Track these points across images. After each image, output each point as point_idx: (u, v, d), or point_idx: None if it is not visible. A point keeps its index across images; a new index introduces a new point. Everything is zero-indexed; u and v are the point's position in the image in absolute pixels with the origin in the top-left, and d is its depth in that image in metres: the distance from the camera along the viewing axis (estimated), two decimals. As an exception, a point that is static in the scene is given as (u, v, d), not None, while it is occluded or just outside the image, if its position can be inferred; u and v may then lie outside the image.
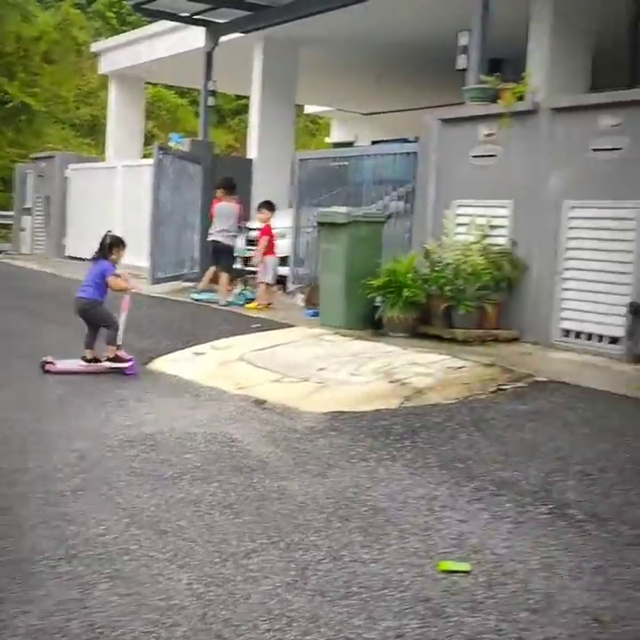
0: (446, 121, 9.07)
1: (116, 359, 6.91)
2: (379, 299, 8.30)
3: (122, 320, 7.00)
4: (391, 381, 6.45)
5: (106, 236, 7.13)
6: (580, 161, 7.63)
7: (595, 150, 7.48)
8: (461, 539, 3.63)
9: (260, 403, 6.01)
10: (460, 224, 8.67)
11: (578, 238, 7.70)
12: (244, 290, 11.22)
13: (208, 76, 14.33)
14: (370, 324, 8.41)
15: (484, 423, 5.29)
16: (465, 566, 3.32)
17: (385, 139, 15.10)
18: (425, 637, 2.78)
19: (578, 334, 7.69)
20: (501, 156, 8.39)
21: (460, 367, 6.69)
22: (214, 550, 3.42)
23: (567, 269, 7.79)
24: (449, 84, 10.96)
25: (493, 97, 8.55)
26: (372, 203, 10.37)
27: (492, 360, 6.90)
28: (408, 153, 9.91)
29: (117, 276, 7.08)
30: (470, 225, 8.41)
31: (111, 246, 7.05)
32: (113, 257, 7.06)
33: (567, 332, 7.78)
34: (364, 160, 10.69)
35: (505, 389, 6.03)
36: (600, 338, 7.48)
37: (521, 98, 8.29)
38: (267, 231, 10.73)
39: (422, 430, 5.22)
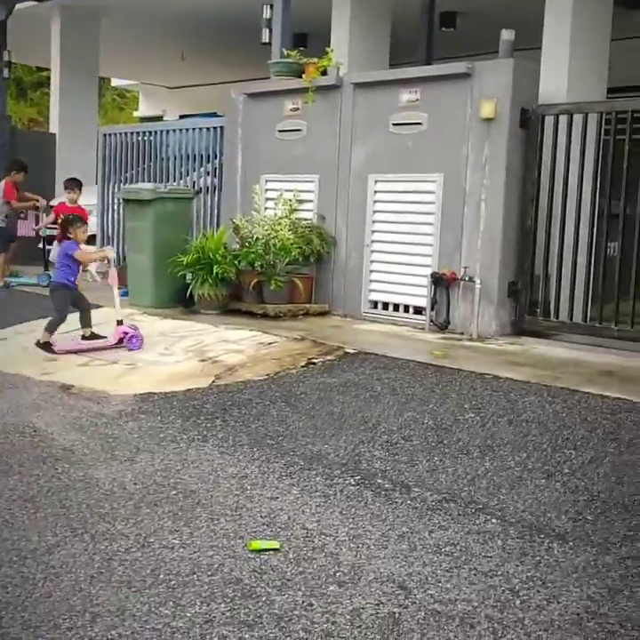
0: (252, 95, 9.02)
1: (46, 346, 6.75)
2: (189, 276, 8.17)
3: (115, 294, 7.00)
4: (202, 360, 6.38)
5: (64, 217, 7.35)
6: (382, 135, 7.77)
7: (395, 125, 7.65)
8: (272, 516, 3.63)
9: (66, 388, 5.80)
10: (269, 199, 8.66)
11: (383, 211, 7.86)
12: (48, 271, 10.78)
13: (2, 47, 13.63)
14: (181, 302, 8.28)
15: (295, 398, 5.32)
16: (274, 544, 3.32)
17: (193, 113, 14.90)
18: (234, 620, 2.75)
19: (385, 306, 7.88)
20: (307, 131, 8.43)
21: (272, 343, 6.70)
22: (12, 548, 3.26)
23: (374, 242, 7.94)
24: (256, 58, 10.89)
25: (298, 71, 8.55)
26: (181, 178, 10.21)
27: (303, 334, 6.95)
28: (215, 127, 9.79)
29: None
30: (279, 200, 8.42)
31: (66, 225, 7.06)
32: (71, 235, 7.00)
33: (375, 304, 7.96)
34: (170, 135, 10.48)
35: (315, 363, 6.08)
36: (406, 308, 7.69)
37: (325, 73, 8.34)
38: (73, 210, 10.32)
39: (233, 408, 5.19)
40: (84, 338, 6.96)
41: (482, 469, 4.11)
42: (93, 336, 6.95)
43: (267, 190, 8.73)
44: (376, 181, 7.86)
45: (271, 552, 3.26)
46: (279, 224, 8.11)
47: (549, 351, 6.53)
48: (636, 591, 2.95)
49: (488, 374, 5.59)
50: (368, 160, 7.93)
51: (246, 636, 2.65)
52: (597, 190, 6.86)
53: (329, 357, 6.22)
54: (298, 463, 4.27)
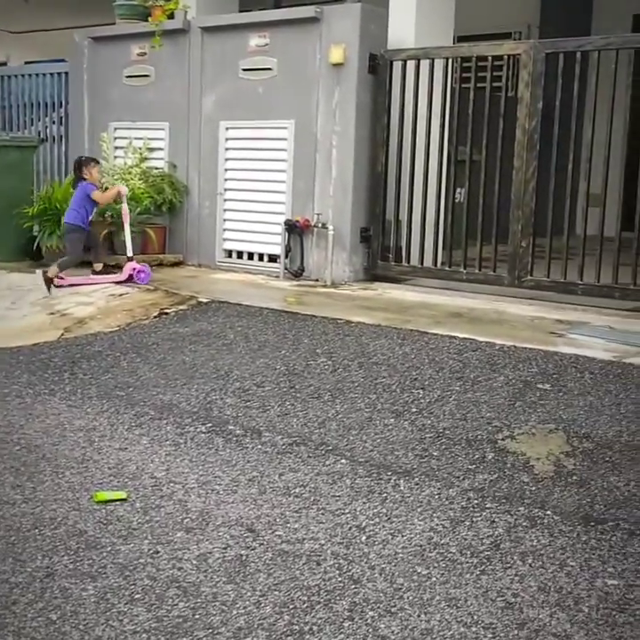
0: (97, 39, 8.69)
1: (49, 280, 6.72)
2: (36, 228, 7.87)
3: (126, 230, 7.03)
4: (51, 313, 6.18)
5: (76, 159, 7.25)
6: (232, 81, 7.64)
7: (245, 70, 7.53)
8: (120, 467, 3.56)
9: None
10: (118, 147, 8.41)
11: (235, 159, 7.76)
12: None
13: None
14: (28, 255, 7.97)
15: (146, 349, 5.22)
16: (121, 494, 3.26)
17: (40, 59, 14.25)
18: (77, 572, 2.69)
19: (240, 254, 7.82)
20: (155, 77, 8.20)
21: (123, 294, 6.55)
22: None
23: (227, 190, 7.84)
24: (106, 2, 10.48)
25: (145, 15, 8.29)
26: (26, 128, 9.78)
27: (155, 285, 6.82)
28: (59, 73, 9.40)
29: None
30: (128, 148, 8.18)
31: (80, 166, 7.06)
32: (86, 177, 7.02)
33: (230, 253, 7.88)
34: (13, 81, 10.00)
35: (168, 313, 5.99)
36: (261, 257, 7.65)
37: (172, 16, 8.12)
38: None
39: (82, 361, 5.05)
40: (94, 273, 7.09)
41: (332, 412, 4.15)
42: (104, 270, 7.13)
43: (116, 138, 8.47)
44: (227, 128, 7.74)
45: (118, 502, 3.20)
46: (129, 173, 7.90)
47: (401, 295, 6.64)
48: (476, 521, 3.04)
49: (340, 319, 5.64)
50: (219, 106, 7.79)
51: (89, 587, 2.60)
52: (446, 136, 6.96)
53: (182, 307, 6.13)
54: (148, 413, 4.20)
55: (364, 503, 3.22)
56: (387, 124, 7.05)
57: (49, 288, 6.70)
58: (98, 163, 7.27)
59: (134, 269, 6.93)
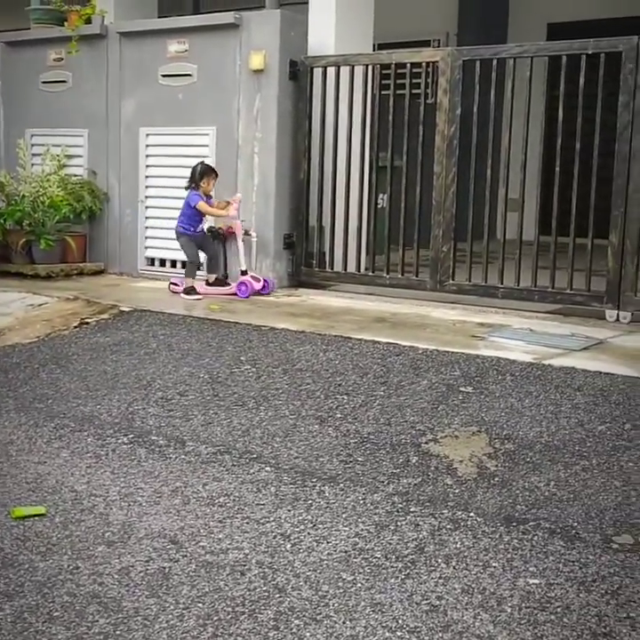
0: (11, 44, 8.52)
1: (190, 290, 6.81)
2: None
3: (239, 246, 6.93)
4: (-33, 325, 6.02)
5: (196, 165, 6.95)
6: (151, 87, 7.57)
7: (165, 76, 7.46)
8: (39, 481, 3.47)
9: None
10: (35, 154, 8.25)
11: (156, 166, 7.68)
12: None
13: None
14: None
15: (66, 359, 5.12)
16: (40, 509, 3.18)
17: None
18: (-6, 591, 2.61)
19: (163, 262, 7.74)
20: (73, 82, 8.07)
21: (42, 304, 6.42)
22: None
23: (148, 197, 7.76)
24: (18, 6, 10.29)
25: (61, 19, 8.16)
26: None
27: (76, 294, 6.70)
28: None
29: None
30: (45, 155, 8.03)
31: (202, 175, 6.89)
32: (203, 185, 6.89)
33: (152, 261, 7.80)
34: None
35: (89, 323, 5.88)
36: (184, 264, 7.56)
37: (89, 21, 8.00)
38: None
39: (-1, 373, 4.93)
40: (207, 283, 7.03)
41: (256, 420, 4.12)
42: (217, 282, 7.04)
43: (33, 145, 8.31)
44: (148, 135, 7.66)
45: (36, 518, 3.13)
46: (47, 181, 7.75)
47: (325, 301, 6.65)
48: (401, 525, 3.05)
49: (265, 326, 5.62)
50: (138, 113, 7.70)
51: (5, 606, 2.52)
52: (367, 142, 7.00)
53: (103, 316, 6.03)
54: (68, 425, 4.12)
55: (288, 511, 3.20)
56: (308, 131, 7.05)
57: (192, 294, 6.79)
58: (217, 175, 6.98)
59: (242, 283, 6.83)
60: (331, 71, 6.93)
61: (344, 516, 3.15)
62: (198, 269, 7.05)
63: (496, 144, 6.38)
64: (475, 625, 2.41)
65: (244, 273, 6.90)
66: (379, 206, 7.28)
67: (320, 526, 3.06)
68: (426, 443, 3.79)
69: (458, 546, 2.89)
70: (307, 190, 7.12)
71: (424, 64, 6.77)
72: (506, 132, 6.30)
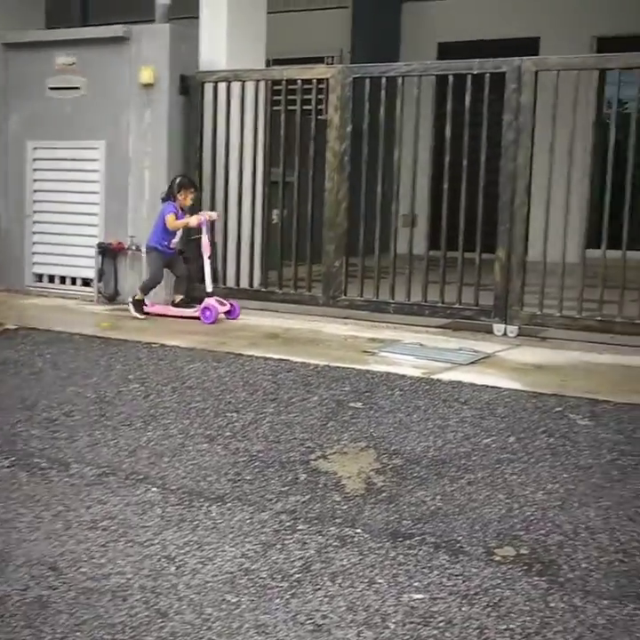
0: None
1: (137, 303, 6.60)
2: None
3: (205, 264, 6.58)
4: None
5: (175, 177, 6.78)
6: (39, 100, 7.41)
7: (52, 89, 7.31)
8: None
9: None
10: None
11: (44, 180, 7.53)
12: None
13: None
14: None
15: (-54, 380, 4.93)
16: None
17: None
18: None
19: (52, 278, 7.57)
20: (-44, 94, 7.83)
21: None
22: None
23: (36, 212, 7.58)
24: None
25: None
26: None
27: (-41, 312, 6.49)
28: None
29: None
30: None
31: (180, 187, 6.69)
32: (180, 199, 6.68)
33: (41, 277, 7.61)
34: None
35: (-28, 342, 5.70)
36: (74, 281, 7.42)
37: (-27, 31, 7.78)
38: None
39: None
40: (173, 304, 6.80)
41: (144, 439, 4.04)
42: (182, 304, 6.77)
43: None
44: (35, 148, 7.48)
45: None
46: None
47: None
48: (288, 544, 3.03)
49: (155, 343, 5.54)
50: (25, 126, 7.53)
51: None
52: (260, 158, 6.99)
53: (-13, 335, 5.85)
54: (-55, 449, 3.96)
55: (174, 532, 3.14)
56: (200, 146, 7.01)
57: (139, 311, 6.59)
58: (195, 191, 6.79)
59: (206, 307, 6.47)
60: (222, 86, 6.92)
61: (231, 536, 3.11)
62: (152, 288, 6.78)
63: (386, 160, 6.46)
64: (358, 643, 2.40)
65: (209, 295, 6.57)
66: (272, 222, 7.28)
67: (206, 547, 3.01)
68: (315, 460, 3.79)
69: (344, 563, 2.88)
70: (199, 206, 7.06)
71: (315, 81, 6.79)
72: (396, 149, 6.38)
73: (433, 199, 6.42)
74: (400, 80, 6.38)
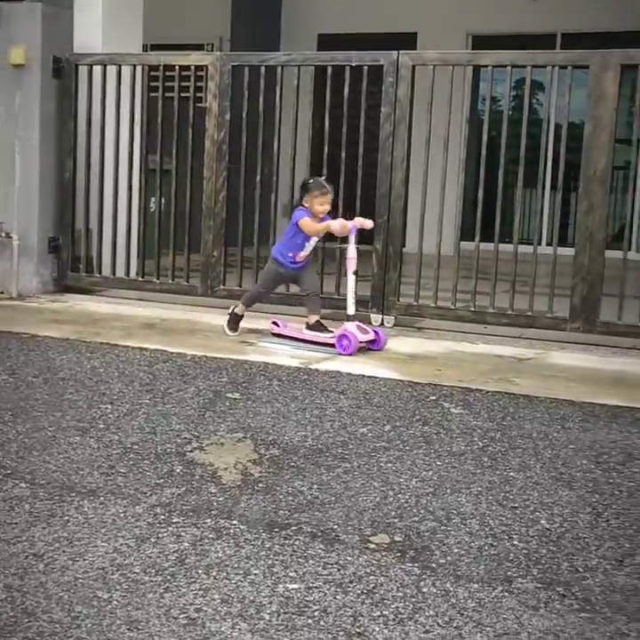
0: None
1: (232, 320, 5.73)
2: None
3: (349, 280, 5.45)
4: None
5: (305, 180, 5.66)
6: None
7: None
8: None
9: None
10: None
11: None
12: None
13: None
14: None
15: None
16: None
17: None
18: None
19: None
20: None
21: None
22: None
23: None
24: None
25: None
26: None
27: None
28: None
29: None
30: None
31: (304, 192, 5.55)
32: (306, 204, 5.53)
33: None
34: None
35: None
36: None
37: None
38: None
39: None
40: (308, 326, 5.64)
41: (13, 433, 3.90)
42: (318, 327, 5.62)
43: None
44: None
45: None
46: None
47: (93, 307, 6.46)
48: (162, 537, 2.98)
49: (25, 334, 5.37)
50: None
51: None
52: (137, 144, 6.86)
53: None
54: None
55: (43, 528, 3.04)
56: (74, 131, 6.83)
57: (230, 326, 5.73)
58: (328, 194, 5.56)
59: (343, 334, 5.38)
60: (97, 70, 6.74)
61: (103, 530, 3.03)
62: (253, 302, 5.93)
63: (266, 150, 6.44)
64: (232, 635, 2.38)
65: (349, 319, 5.45)
66: (149, 210, 7.16)
67: (77, 543, 2.93)
68: (191, 451, 3.74)
69: (219, 555, 2.85)
70: (73, 192, 6.89)
71: (193, 67, 6.69)
72: (275, 139, 6.36)
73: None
74: (279, 69, 6.36)
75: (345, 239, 5.56)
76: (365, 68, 6.11)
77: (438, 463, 3.61)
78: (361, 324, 5.43)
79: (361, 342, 5.34)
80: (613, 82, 5.62)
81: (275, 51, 8.49)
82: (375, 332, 5.48)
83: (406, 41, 9.96)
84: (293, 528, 3.04)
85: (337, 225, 5.44)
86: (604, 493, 3.33)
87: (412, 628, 2.38)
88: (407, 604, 2.51)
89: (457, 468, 3.56)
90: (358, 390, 4.50)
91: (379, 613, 2.47)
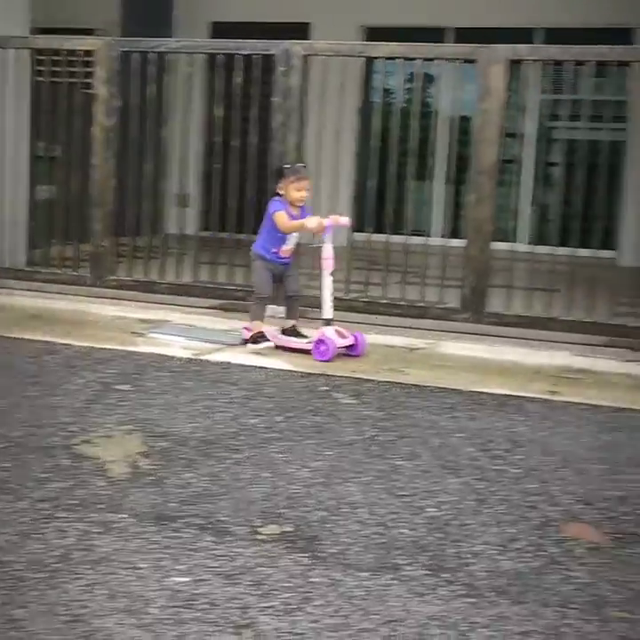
0: None
1: (256, 337, 5.21)
2: None
3: (324, 283, 5.11)
4: None
5: (278, 166, 5.46)
6: None
7: None
8: None
9: None
10: None
11: None
12: None
13: None
14: None
15: None
16: None
17: None
18: None
19: None
20: None
21: None
22: None
23: None
24: None
25: None
26: None
27: None
28: None
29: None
30: None
31: (278, 176, 5.29)
32: (280, 191, 5.22)
33: None
34: None
35: None
36: None
37: None
38: None
39: None
40: (284, 331, 5.37)
41: None
42: (294, 332, 5.36)
43: None
44: None
45: None
46: None
47: (-23, 298, 6.25)
48: (46, 533, 2.90)
49: None
50: None
51: None
52: (24, 130, 6.66)
53: None
54: None
55: None
56: (-44, 115, 6.58)
57: (260, 343, 5.27)
58: (303, 179, 5.26)
59: (320, 339, 5.09)
60: (-20, 52, 6.51)
61: (-15, 528, 2.94)
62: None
63: (157, 138, 6.34)
64: (118, 631, 2.34)
65: (326, 323, 5.19)
66: (37, 198, 6.97)
67: (-44, 541, 2.83)
68: (78, 444, 3.66)
69: (106, 550, 2.79)
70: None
71: (82, 52, 6.53)
72: (166, 127, 6.27)
73: (205, 179, 6.38)
74: (170, 57, 6.27)
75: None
76: (257, 57, 6.07)
77: (329, 453, 3.63)
78: (340, 329, 5.16)
79: (339, 347, 5.08)
80: (501, 76, 5.74)
81: (167, 38, 8.36)
82: (355, 336, 5.19)
83: (300, 31, 9.96)
84: (182, 520, 3.01)
85: (313, 223, 5.14)
86: (490, 480, 3.41)
87: (300, 618, 2.38)
88: (296, 594, 2.52)
89: (347, 458, 3.58)
90: (250, 381, 4.48)
91: (267, 604, 2.47)
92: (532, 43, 9.05)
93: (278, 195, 5.26)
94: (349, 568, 2.68)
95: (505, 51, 5.78)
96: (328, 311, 5.14)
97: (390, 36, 6.82)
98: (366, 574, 2.64)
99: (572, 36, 7.17)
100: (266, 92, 6.11)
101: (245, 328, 5.36)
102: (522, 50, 5.86)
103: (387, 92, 7.64)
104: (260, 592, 2.54)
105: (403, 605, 2.46)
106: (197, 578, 2.63)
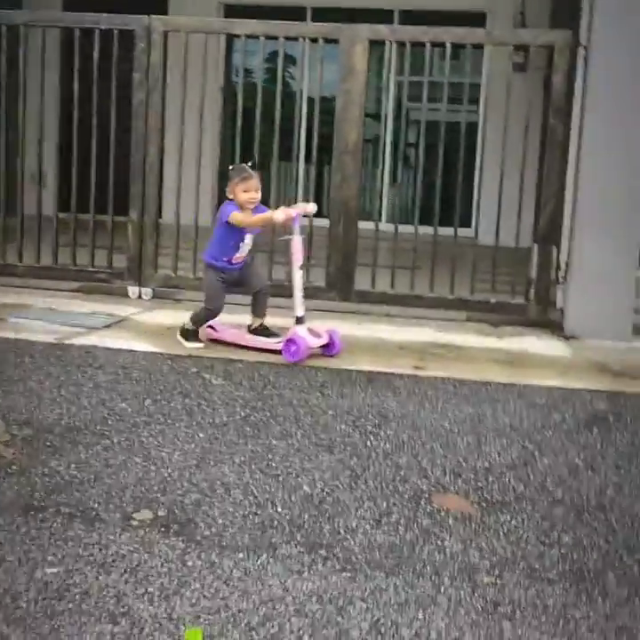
0: None
1: (189, 334, 4.91)
2: None
3: (295, 277, 4.81)
4: None
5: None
6: None
7: None
8: None
9: None
10: None
11: None
12: None
13: None
14: None
15: None
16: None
17: None
18: None
19: None
20: None
21: None
22: None
23: None
24: None
25: None
26: None
27: None
28: None
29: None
30: None
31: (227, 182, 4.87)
32: (229, 196, 4.81)
33: None
34: None
35: None
36: None
37: None
38: None
39: None
40: (251, 330, 5.00)
41: None
42: (263, 330, 4.99)
43: None
44: None
45: None
46: None
47: None
48: None
49: None
50: None
51: None
52: None
53: None
54: None
55: None
56: None
57: (194, 339, 4.91)
58: (249, 179, 4.77)
59: (290, 339, 4.74)
60: None
61: None
62: (205, 321, 5.03)
63: (10, 114, 6.08)
64: (-13, 628, 2.24)
65: (298, 322, 4.83)
66: None
67: None
68: None
69: (-30, 544, 2.68)
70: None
71: None
72: (21, 104, 6.02)
73: (63, 158, 6.16)
74: (22, 29, 6.01)
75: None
76: (115, 31, 5.90)
77: (201, 435, 3.58)
78: (313, 327, 4.86)
79: (311, 347, 4.76)
80: (362, 56, 5.78)
81: (17, 9, 8.02)
82: (329, 335, 4.88)
83: (158, 7, 9.73)
84: (51, 510, 2.91)
85: (281, 214, 4.71)
86: (362, 456, 3.45)
87: (177, 602, 2.35)
88: (172, 579, 2.48)
89: (220, 439, 3.55)
90: (116, 365, 4.38)
91: (143, 591, 2.42)
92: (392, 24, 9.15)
93: (229, 200, 4.87)
94: (226, 549, 2.66)
95: (366, 30, 5.82)
96: (300, 308, 4.84)
97: (249, 14, 6.77)
98: (243, 555, 2.63)
99: (430, 19, 7.29)
100: (127, 68, 5.95)
101: (209, 326, 5.07)
102: (383, 30, 5.91)
103: (248, 71, 7.57)
104: (134, 579, 2.48)
105: (281, 584, 2.46)
106: (69, 568, 2.55)
